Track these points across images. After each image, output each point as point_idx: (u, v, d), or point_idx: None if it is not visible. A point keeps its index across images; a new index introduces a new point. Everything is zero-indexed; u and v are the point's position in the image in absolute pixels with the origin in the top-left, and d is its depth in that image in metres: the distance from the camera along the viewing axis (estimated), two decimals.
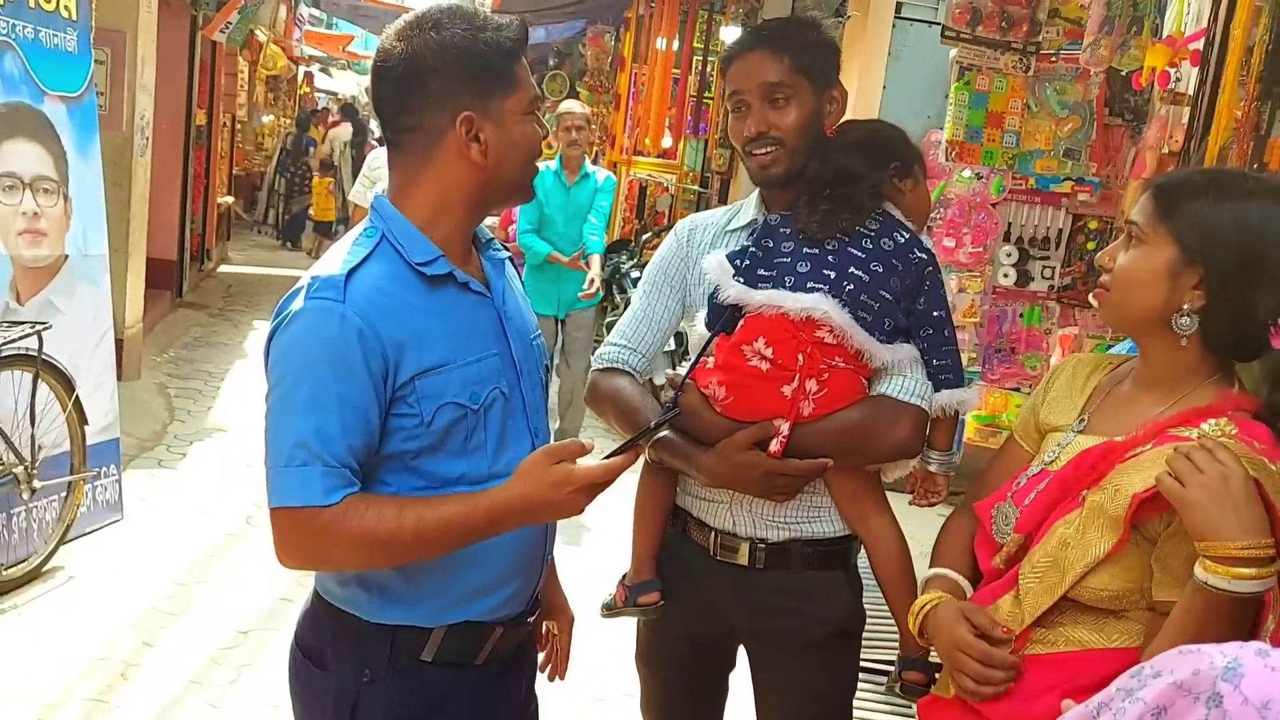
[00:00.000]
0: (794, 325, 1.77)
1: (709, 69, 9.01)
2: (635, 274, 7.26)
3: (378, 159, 7.13)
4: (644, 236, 8.48)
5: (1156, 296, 1.48)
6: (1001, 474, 1.70)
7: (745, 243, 1.93)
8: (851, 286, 1.78)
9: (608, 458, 1.41)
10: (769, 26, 1.94)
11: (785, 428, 1.77)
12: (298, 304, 1.43)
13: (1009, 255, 4.20)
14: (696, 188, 9.88)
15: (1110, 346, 4.01)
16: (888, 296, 1.80)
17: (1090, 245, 4.24)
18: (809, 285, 1.78)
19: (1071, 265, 4.27)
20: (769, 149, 1.87)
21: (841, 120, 1.96)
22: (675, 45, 8.57)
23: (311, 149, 14.39)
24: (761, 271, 1.84)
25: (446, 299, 1.51)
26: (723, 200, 8.80)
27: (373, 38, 17.59)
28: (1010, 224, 4.20)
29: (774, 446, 1.78)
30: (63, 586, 3.82)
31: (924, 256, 1.85)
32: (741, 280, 1.84)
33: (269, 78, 15.93)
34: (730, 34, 8.50)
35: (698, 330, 1.94)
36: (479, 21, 1.48)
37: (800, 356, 1.77)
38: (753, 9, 8.30)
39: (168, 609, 3.75)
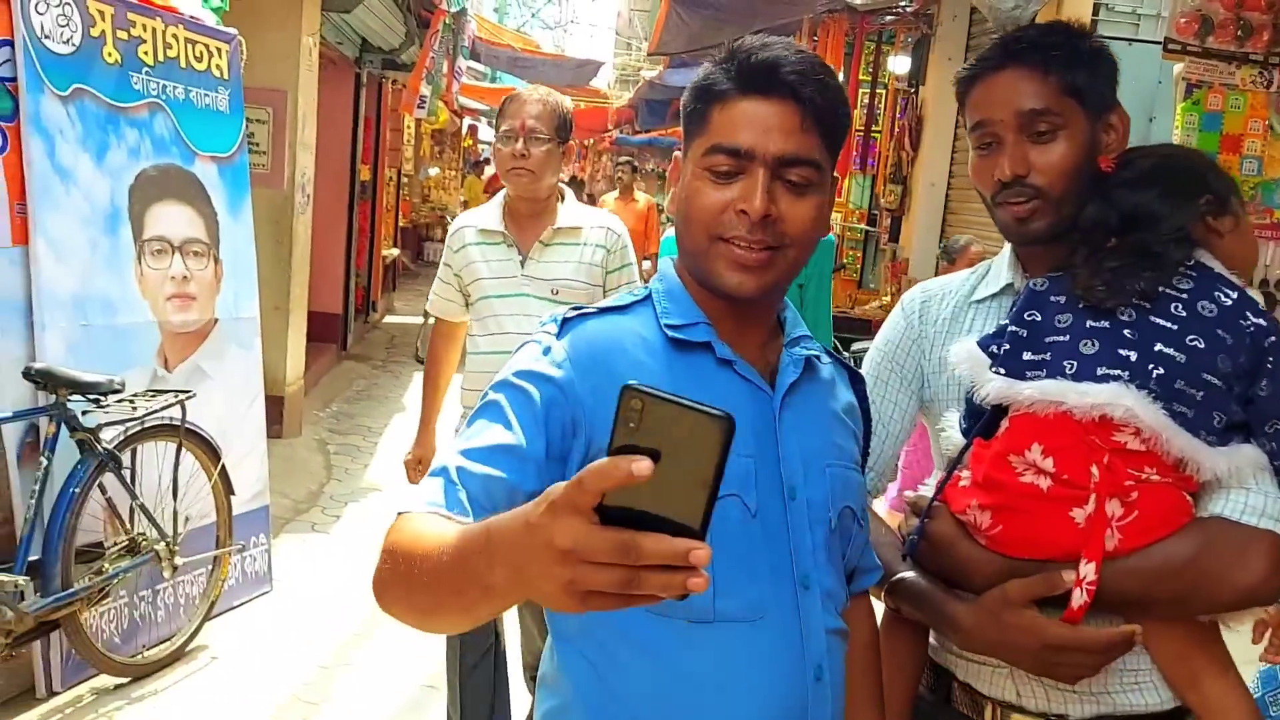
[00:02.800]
0: (1082, 427, 1.31)
1: (877, 101, 8.55)
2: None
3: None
4: None
5: None
6: None
7: (1001, 319, 1.48)
8: (1161, 371, 1.31)
9: (612, 451, 0.77)
10: (1025, 37, 1.48)
11: (1090, 572, 1.29)
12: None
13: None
14: (864, 226, 9.37)
15: None
16: (1215, 381, 1.32)
17: None
18: (1099, 372, 1.32)
19: None
20: (1028, 198, 1.43)
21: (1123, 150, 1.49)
22: (841, 77, 8.14)
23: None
24: (1029, 356, 1.38)
25: (695, 373, 1.24)
26: (893, 239, 8.30)
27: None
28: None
29: (1077, 601, 1.29)
30: (205, 669, 3.64)
31: (1262, 323, 1.34)
32: (1002, 370, 1.39)
33: (434, 131, 16.31)
34: (899, 64, 8.02)
35: (947, 436, 1.50)
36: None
37: (1095, 469, 1.30)
38: (924, 37, 7.81)
39: (310, 697, 3.52)
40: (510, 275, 2.88)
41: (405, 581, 1.02)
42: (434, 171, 17.01)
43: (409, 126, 13.16)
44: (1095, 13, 5.69)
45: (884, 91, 8.59)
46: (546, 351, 1.24)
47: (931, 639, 1.55)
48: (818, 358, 1.34)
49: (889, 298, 8.11)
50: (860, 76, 8.51)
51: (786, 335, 1.34)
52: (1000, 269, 1.58)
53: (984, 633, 1.36)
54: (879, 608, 1.52)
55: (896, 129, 8.09)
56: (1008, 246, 1.57)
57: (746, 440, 1.24)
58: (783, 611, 1.23)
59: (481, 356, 2.90)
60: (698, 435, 0.76)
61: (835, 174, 1.29)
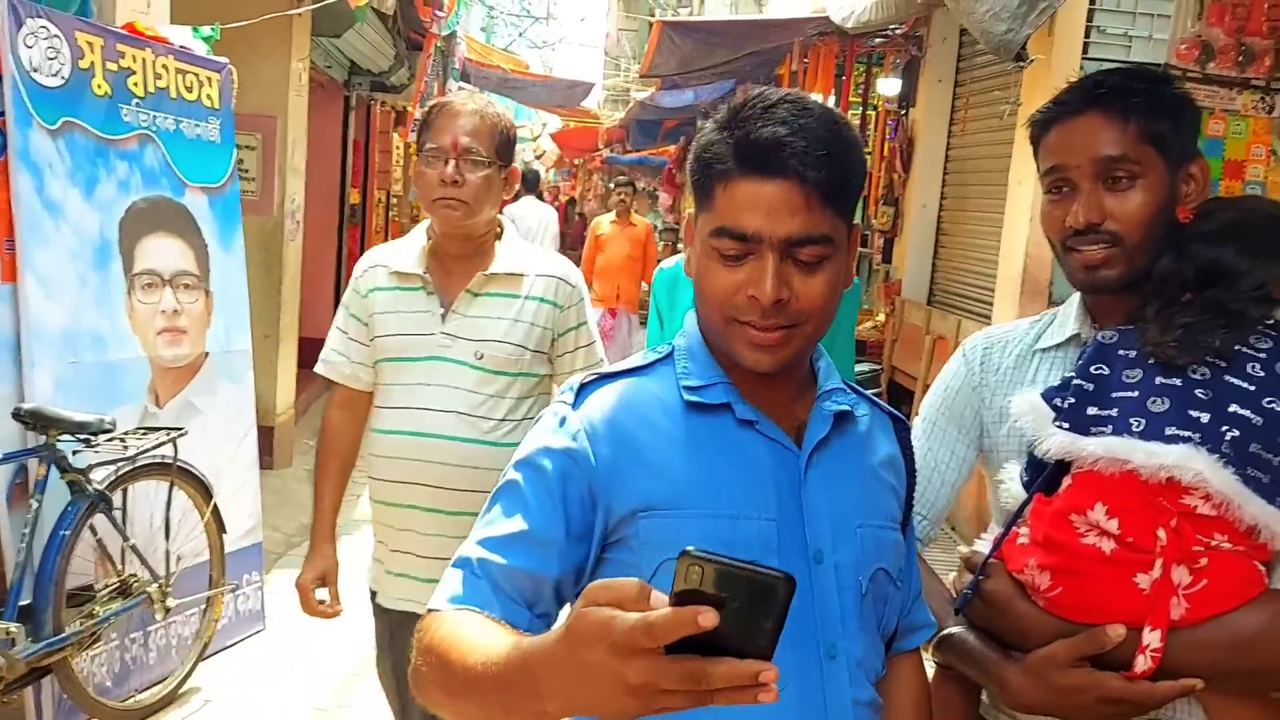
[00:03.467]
0: (1149, 489, 1.26)
1: (867, 123, 8.55)
2: None
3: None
4: None
5: None
6: None
7: (1067, 371, 1.44)
8: (1236, 433, 1.25)
9: (677, 600, 0.78)
10: (1107, 82, 1.42)
11: (1155, 640, 1.24)
12: None
13: None
14: (858, 248, 9.35)
15: None
16: None
17: None
18: (1168, 431, 1.27)
19: None
20: (1102, 245, 1.39)
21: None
22: (831, 101, 8.14)
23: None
24: (1094, 411, 1.33)
25: (715, 434, 1.20)
26: (886, 260, 8.29)
27: (523, 109, 17.88)
28: None
29: (1141, 665, 1.25)
30: (198, 712, 3.57)
31: None
32: (1066, 425, 1.34)
33: None
34: (889, 86, 8.03)
35: (1006, 489, 1.45)
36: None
37: (1162, 533, 1.25)
38: (914, 60, 7.82)
39: None
40: (427, 332, 2.26)
41: (447, 690, 1.01)
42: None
43: (398, 148, 13.12)
44: (1088, 35, 5.70)
45: (874, 113, 8.60)
46: (562, 423, 1.21)
47: (983, 695, 1.50)
48: (851, 409, 1.29)
49: (883, 317, 8.10)
50: (850, 98, 8.51)
51: (820, 387, 1.29)
52: (1068, 318, 1.53)
53: (1035, 694, 1.32)
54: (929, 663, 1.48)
55: (887, 151, 8.09)
56: (1076, 295, 1.52)
57: (769, 503, 1.19)
58: (806, 683, 1.18)
59: (388, 438, 2.27)
60: (759, 593, 0.78)
61: (854, 224, 1.25)
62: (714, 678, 0.77)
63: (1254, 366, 1.29)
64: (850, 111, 8.55)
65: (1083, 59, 5.57)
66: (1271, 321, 1.33)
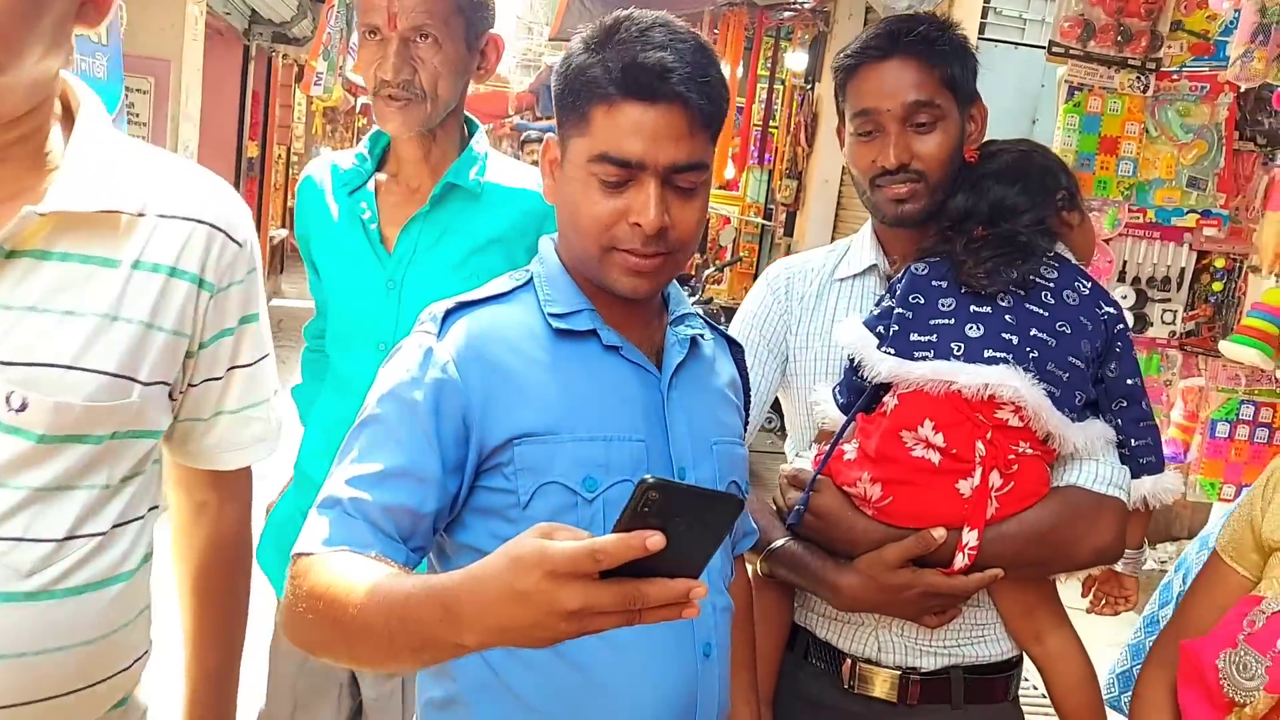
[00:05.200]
0: (970, 405, 1.40)
1: (774, 97, 8.65)
2: None
3: None
4: (705, 271, 8.11)
5: None
6: (1211, 606, 1.30)
7: (869, 297, 1.58)
8: (1037, 354, 1.42)
9: (617, 529, 0.83)
10: (911, 29, 1.52)
11: (973, 539, 1.40)
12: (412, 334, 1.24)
13: (1124, 297, 3.71)
14: (761, 220, 9.49)
15: (1244, 401, 3.55)
16: (1077, 364, 1.44)
17: (1216, 286, 3.77)
18: (986, 354, 1.41)
19: (1195, 308, 3.79)
20: (908, 182, 1.50)
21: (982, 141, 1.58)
22: (739, 72, 8.22)
23: None
24: (916, 336, 1.46)
25: (583, 360, 1.21)
26: (788, 233, 8.43)
27: None
28: (1125, 262, 3.75)
29: (959, 562, 1.41)
30: None
31: (1113, 311, 1.49)
32: (891, 350, 1.46)
33: (326, 109, 15.90)
34: (796, 60, 8.13)
35: (821, 410, 1.55)
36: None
37: (981, 445, 1.40)
38: (821, 35, 7.93)
39: None
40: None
41: (342, 633, 1.00)
42: (326, 151, 16.63)
43: (300, 104, 12.81)
44: (984, 15, 5.88)
45: (782, 87, 8.70)
46: (429, 354, 1.19)
47: (795, 603, 1.63)
48: (702, 335, 1.34)
49: None
50: (759, 71, 8.60)
51: (671, 313, 1.33)
52: (863, 249, 1.64)
53: (865, 594, 1.45)
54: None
55: (793, 125, 8.21)
56: (866, 227, 1.63)
57: (637, 424, 1.24)
58: None
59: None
60: (711, 514, 0.83)
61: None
62: (649, 598, 0.81)
63: (1046, 295, 1.46)
64: (759, 84, 8.65)
65: (979, 38, 5.75)
66: (1052, 253, 1.50)
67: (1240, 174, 3.69)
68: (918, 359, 1.44)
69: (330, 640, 1.03)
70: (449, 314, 1.23)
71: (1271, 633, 1.18)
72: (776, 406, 1.75)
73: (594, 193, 1.19)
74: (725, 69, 6.95)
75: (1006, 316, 1.44)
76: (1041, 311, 1.45)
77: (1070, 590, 1.64)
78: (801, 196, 8.07)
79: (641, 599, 0.81)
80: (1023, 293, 1.46)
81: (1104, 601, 1.63)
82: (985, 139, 1.61)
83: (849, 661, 1.55)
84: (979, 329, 1.43)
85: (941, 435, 1.40)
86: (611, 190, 1.19)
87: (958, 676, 1.52)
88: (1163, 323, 3.77)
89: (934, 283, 1.49)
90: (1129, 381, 1.50)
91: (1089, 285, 1.51)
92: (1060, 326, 1.44)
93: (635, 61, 1.16)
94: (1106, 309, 1.49)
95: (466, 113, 1.94)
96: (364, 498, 1.12)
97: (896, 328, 1.48)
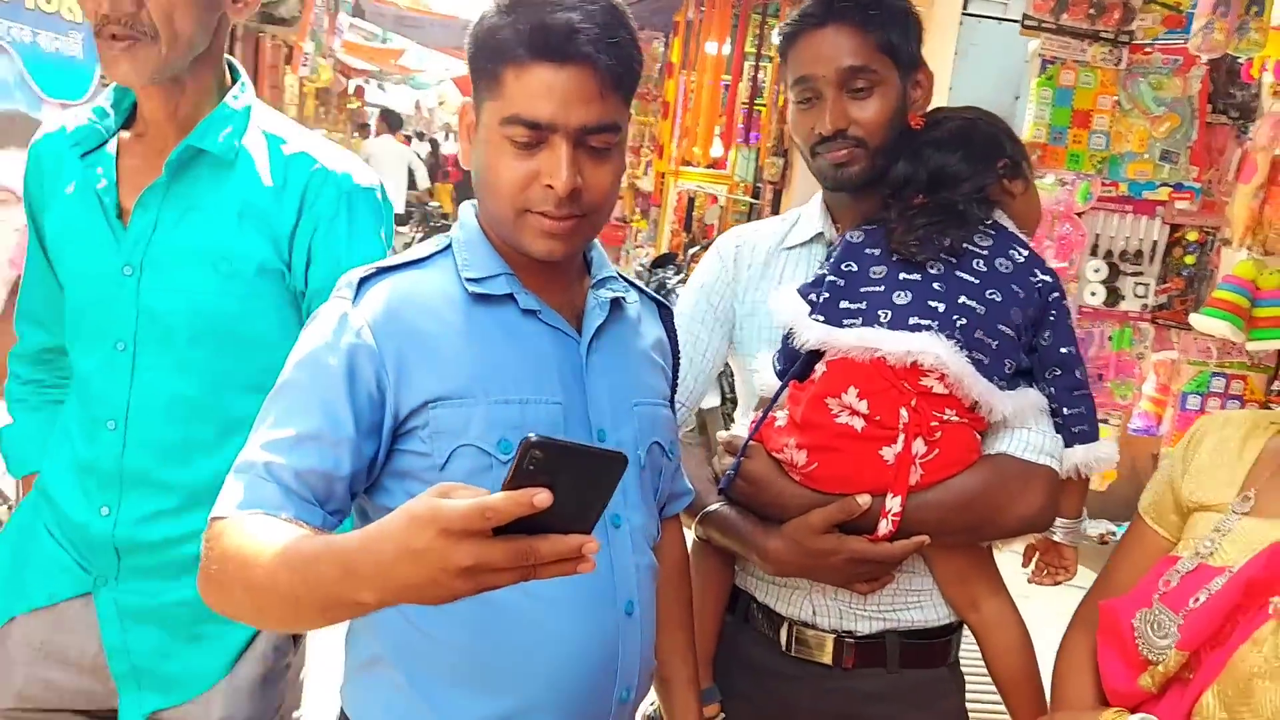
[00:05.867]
0: (894, 373, 1.40)
1: (761, 74, 8.62)
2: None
3: None
4: (692, 250, 8.12)
5: None
6: (1133, 567, 1.32)
7: (814, 266, 1.57)
8: (964, 321, 1.42)
9: (505, 488, 0.84)
10: None
11: (896, 505, 1.40)
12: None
13: (1097, 271, 3.74)
14: (749, 199, 9.48)
15: (1215, 374, 3.56)
16: (1008, 332, 1.44)
17: (1189, 259, 3.79)
18: (911, 321, 1.42)
19: (1168, 281, 3.81)
20: (847, 148, 1.50)
21: (929, 109, 1.58)
22: (726, 50, 8.19)
23: None
24: (846, 304, 1.47)
25: (500, 324, 1.22)
26: (775, 211, 8.42)
27: (424, 51, 17.51)
28: (1098, 236, 3.76)
29: (883, 529, 1.41)
30: None
31: (1048, 279, 1.49)
32: (821, 318, 1.47)
33: (318, 91, 15.82)
34: None
35: (760, 378, 1.56)
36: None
37: (904, 412, 1.40)
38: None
39: None
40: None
41: (251, 593, 1.02)
42: (319, 134, 16.56)
43: (291, 86, 12.75)
44: None
45: (769, 65, 8.67)
46: (343, 319, 1.20)
47: (737, 566, 1.65)
48: (624, 297, 1.35)
49: None
50: (746, 49, 8.57)
51: (593, 276, 1.35)
52: (811, 217, 1.65)
53: (790, 558, 1.46)
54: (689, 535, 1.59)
55: (780, 103, 8.19)
56: (817, 196, 1.63)
57: (554, 387, 1.25)
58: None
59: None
60: (596, 471, 0.84)
61: (633, 120, 1.30)
62: (541, 553, 0.83)
63: (978, 262, 1.45)
64: (746, 62, 8.62)
65: (963, 13, 5.73)
66: (990, 221, 1.50)
67: (1213, 147, 3.70)
68: (846, 326, 1.45)
69: (241, 602, 1.05)
70: (364, 280, 1.25)
71: (1185, 591, 1.20)
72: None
73: (506, 155, 1.20)
74: (711, 47, 6.73)
75: (935, 284, 1.44)
76: (972, 279, 1.45)
77: (1011, 561, 1.66)
78: (788, 174, 8.05)
79: (534, 554, 0.83)
80: (954, 260, 1.46)
81: (1045, 572, 1.64)
82: (984, 110, 1.62)
83: (787, 625, 1.57)
84: (907, 296, 1.44)
85: (866, 402, 1.41)
86: (523, 152, 1.20)
87: (893, 641, 1.53)
88: (1135, 296, 3.78)
89: (867, 250, 1.50)
90: (1062, 350, 1.50)
91: (1024, 253, 1.50)
92: (990, 294, 1.44)
93: (543, 22, 1.17)
94: (1041, 277, 1.49)
95: (230, 59, 1.67)
96: (278, 461, 1.13)
97: (827, 295, 1.49)
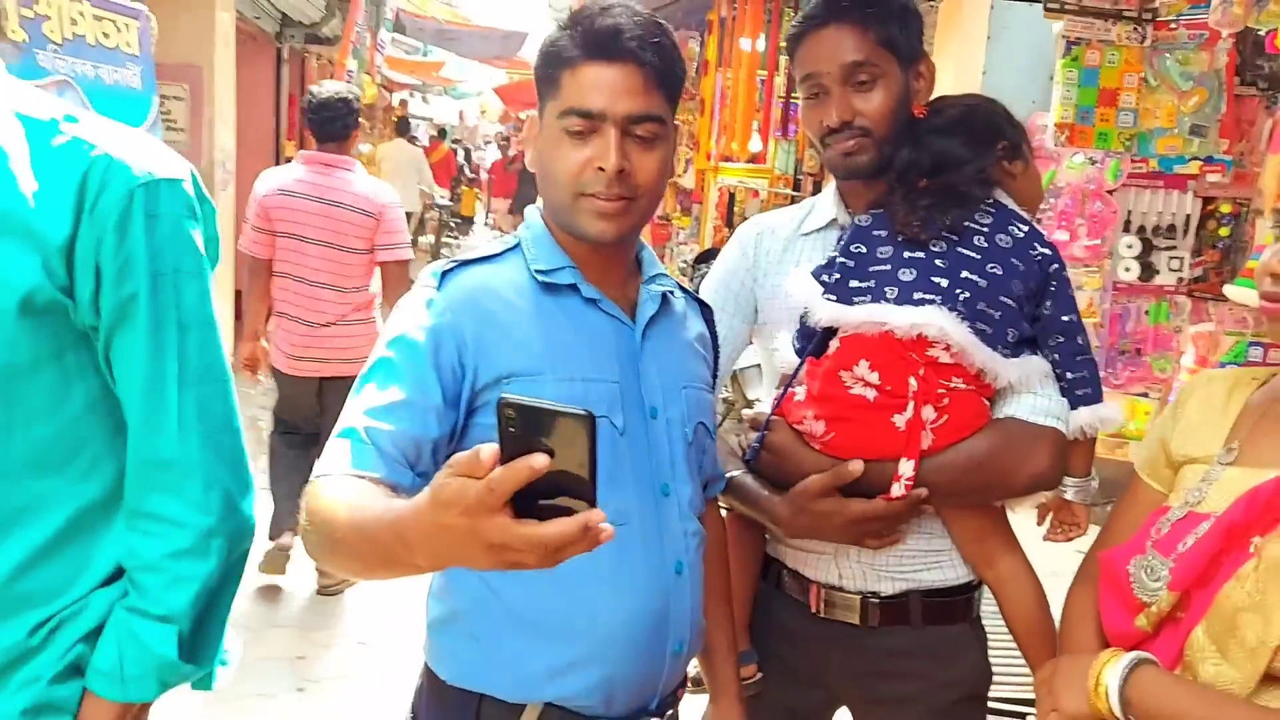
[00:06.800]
0: (902, 345, 1.49)
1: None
2: None
3: None
4: None
5: None
6: (1130, 519, 1.41)
7: (829, 250, 1.66)
8: (967, 295, 1.51)
9: (502, 460, 0.87)
10: None
11: (909, 469, 1.49)
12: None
13: (1130, 247, 3.78)
14: (790, 191, 9.53)
15: (1252, 344, 3.58)
16: (1009, 303, 1.52)
17: (1224, 231, 3.80)
18: (916, 296, 1.51)
19: (1203, 255, 3.83)
20: (855, 138, 1.59)
21: (931, 98, 1.67)
22: (760, 45, 8.26)
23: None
24: (855, 283, 1.56)
25: (565, 311, 1.37)
26: None
27: (464, 62, 17.77)
28: (1130, 212, 3.79)
29: (897, 491, 1.50)
30: None
31: (1048, 252, 1.56)
32: (833, 297, 1.56)
33: (365, 107, 16.13)
34: None
35: (780, 356, 1.67)
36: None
37: (913, 381, 1.49)
38: None
39: None
40: None
41: (331, 551, 1.15)
42: (365, 149, 16.87)
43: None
44: None
45: None
46: (430, 303, 1.36)
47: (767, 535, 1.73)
48: (672, 293, 1.49)
49: None
50: (780, 44, 8.63)
51: (644, 274, 1.48)
52: (826, 205, 1.74)
53: (796, 520, 1.56)
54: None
55: None
56: (831, 184, 1.72)
57: (612, 368, 1.38)
58: (646, 516, 1.38)
59: None
60: (569, 432, 0.85)
61: (676, 123, 1.43)
62: (551, 540, 0.86)
63: (979, 239, 1.53)
64: (780, 57, 8.68)
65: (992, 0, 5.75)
66: (991, 200, 1.58)
67: (1243, 119, 3.72)
68: (856, 304, 1.54)
69: (324, 552, 1.17)
70: (446, 273, 1.40)
71: (1174, 537, 1.28)
72: None
73: (564, 146, 1.35)
74: (746, 43, 6.77)
75: (938, 261, 1.52)
76: (973, 255, 1.53)
77: (1027, 521, 1.74)
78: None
79: (547, 540, 0.86)
80: (956, 238, 1.53)
81: (1059, 529, 1.72)
82: (985, 96, 1.71)
83: (816, 588, 1.66)
84: (912, 273, 1.52)
85: (877, 374, 1.49)
86: (578, 140, 1.34)
87: (915, 600, 1.62)
88: (1170, 270, 3.81)
89: (874, 232, 1.59)
90: (1064, 318, 1.57)
91: (1024, 229, 1.57)
92: (991, 268, 1.52)
93: (594, 28, 1.34)
94: (1041, 250, 1.56)
95: None
96: (376, 425, 1.25)
97: (838, 276, 1.58)
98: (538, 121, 1.43)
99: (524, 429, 0.85)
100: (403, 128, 13.80)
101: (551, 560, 0.88)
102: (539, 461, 0.84)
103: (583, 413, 0.85)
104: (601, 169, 1.32)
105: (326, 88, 4.19)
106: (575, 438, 0.85)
